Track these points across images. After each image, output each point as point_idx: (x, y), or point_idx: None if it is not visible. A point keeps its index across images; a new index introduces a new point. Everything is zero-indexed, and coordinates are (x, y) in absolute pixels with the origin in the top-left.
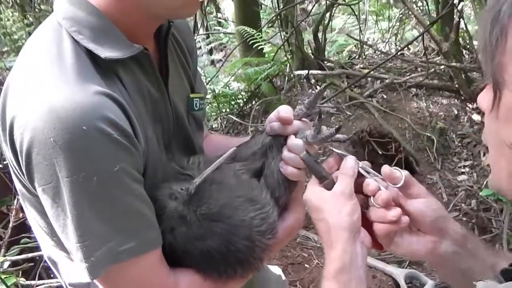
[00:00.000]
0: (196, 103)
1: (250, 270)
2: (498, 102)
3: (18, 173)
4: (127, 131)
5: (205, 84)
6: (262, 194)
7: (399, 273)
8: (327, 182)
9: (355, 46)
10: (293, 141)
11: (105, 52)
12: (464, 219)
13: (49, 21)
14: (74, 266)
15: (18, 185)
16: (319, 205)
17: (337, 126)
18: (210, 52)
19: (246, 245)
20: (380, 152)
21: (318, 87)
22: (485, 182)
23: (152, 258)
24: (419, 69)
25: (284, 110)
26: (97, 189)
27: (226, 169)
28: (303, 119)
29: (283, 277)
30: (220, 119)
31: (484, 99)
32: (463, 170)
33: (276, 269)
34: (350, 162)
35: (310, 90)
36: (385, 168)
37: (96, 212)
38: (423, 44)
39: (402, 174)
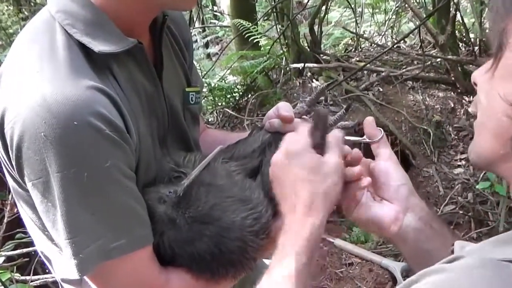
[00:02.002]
0: (192, 97)
1: (243, 270)
2: (497, 63)
3: (9, 167)
4: (119, 126)
5: (201, 77)
6: (255, 194)
7: (396, 267)
8: (322, 149)
9: (351, 39)
10: None
11: (98, 46)
12: (461, 212)
13: (42, 13)
14: (64, 261)
15: (9, 180)
16: (318, 166)
17: (345, 107)
18: (206, 45)
19: (238, 246)
20: None
21: (314, 80)
22: (481, 175)
23: (143, 256)
24: (415, 62)
25: (284, 108)
26: (88, 185)
27: (219, 169)
28: (303, 116)
29: None
30: (216, 112)
31: (481, 72)
32: (459, 163)
33: None
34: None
35: (310, 86)
36: (369, 119)
37: (86, 208)
38: (420, 37)
39: (381, 132)
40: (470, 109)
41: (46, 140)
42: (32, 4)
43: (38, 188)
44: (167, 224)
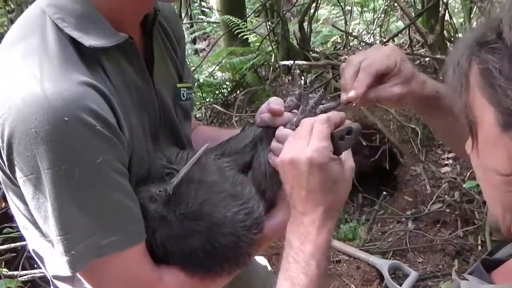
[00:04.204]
0: (183, 93)
1: (237, 265)
2: (476, 139)
3: (0, 163)
4: (111, 122)
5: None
6: (246, 189)
7: (383, 264)
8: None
9: (340, 37)
10: (282, 131)
11: (89, 41)
12: (448, 210)
13: (33, 8)
14: (56, 258)
15: (0, 175)
16: (339, 177)
17: (323, 89)
18: (194, 41)
19: (232, 241)
20: (364, 143)
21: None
22: (468, 174)
23: (136, 252)
24: None
25: (274, 102)
26: (79, 181)
27: (210, 165)
28: (294, 110)
29: (269, 268)
30: (204, 108)
31: (468, 144)
32: (446, 162)
33: (261, 260)
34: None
35: (300, 80)
36: None
37: (78, 205)
38: (409, 36)
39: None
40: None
41: (37, 136)
42: None
43: (30, 184)
44: (158, 222)
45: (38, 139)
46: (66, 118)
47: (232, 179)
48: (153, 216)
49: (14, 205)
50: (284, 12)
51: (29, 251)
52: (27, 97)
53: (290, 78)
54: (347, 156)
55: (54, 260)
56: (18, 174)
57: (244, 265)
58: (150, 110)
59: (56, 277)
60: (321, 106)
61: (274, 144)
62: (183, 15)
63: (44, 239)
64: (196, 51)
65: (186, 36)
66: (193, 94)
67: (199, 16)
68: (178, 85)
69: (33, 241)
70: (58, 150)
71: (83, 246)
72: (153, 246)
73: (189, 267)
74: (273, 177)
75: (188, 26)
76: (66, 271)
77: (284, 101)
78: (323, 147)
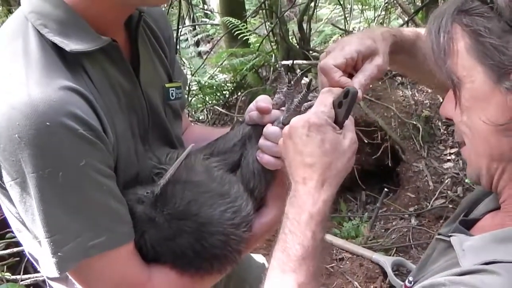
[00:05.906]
0: (172, 93)
1: (227, 263)
2: (459, 97)
3: None
4: (94, 126)
5: (191, 75)
6: (234, 188)
7: (386, 261)
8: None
9: (340, 36)
10: (269, 128)
11: (70, 45)
12: (450, 206)
13: (16, 14)
14: (45, 259)
15: None
16: (337, 143)
17: (306, 89)
18: (197, 43)
19: (220, 239)
20: (366, 141)
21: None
22: None
23: (124, 252)
24: None
25: (262, 100)
26: (63, 184)
27: (197, 165)
28: (282, 108)
29: (267, 265)
30: (206, 110)
31: (445, 107)
32: (449, 157)
33: (259, 258)
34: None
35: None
36: None
37: (63, 207)
38: None
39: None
40: (456, 139)
41: (21, 141)
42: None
43: (16, 188)
44: (147, 223)
45: (22, 145)
46: (47, 123)
47: (220, 178)
48: (141, 218)
49: (7, 209)
50: (283, 12)
51: (29, 257)
52: (10, 104)
53: (291, 77)
54: (348, 128)
55: (44, 261)
56: (6, 178)
57: (234, 263)
58: (138, 111)
59: (51, 278)
60: (305, 104)
61: (262, 141)
62: (185, 17)
63: (35, 240)
64: (200, 54)
65: (189, 39)
66: (183, 93)
67: (202, 19)
68: (167, 85)
69: (27, 243)
70: (41, 154)
71: (70, 247)
72: (142, 248)
73: (179, 266)
74: (261, 175)
75: (191, 29)
76: (54, 272)
77: (272, 99)
78: (321, 111)
